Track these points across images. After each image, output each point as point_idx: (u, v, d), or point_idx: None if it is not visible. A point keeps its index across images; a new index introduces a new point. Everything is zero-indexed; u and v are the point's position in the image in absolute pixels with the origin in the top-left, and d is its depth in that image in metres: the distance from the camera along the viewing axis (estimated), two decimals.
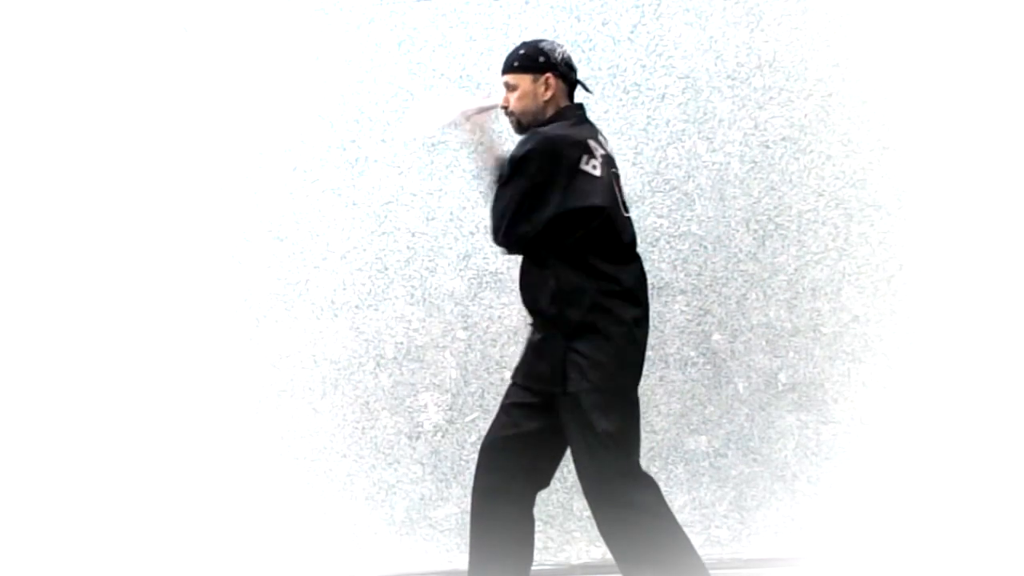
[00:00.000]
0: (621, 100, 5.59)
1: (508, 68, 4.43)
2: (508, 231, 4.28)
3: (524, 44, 4.45)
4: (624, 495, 4.24)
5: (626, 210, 4.39)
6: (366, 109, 5.58)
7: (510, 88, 4.42)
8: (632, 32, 5.61)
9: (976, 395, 5.59)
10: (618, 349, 4.26)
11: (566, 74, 4.42)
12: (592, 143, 4.32)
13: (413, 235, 5.58)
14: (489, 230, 4.39)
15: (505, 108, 4.44)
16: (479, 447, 4.45)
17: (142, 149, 5.53)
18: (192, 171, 5.55)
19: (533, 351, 4.36)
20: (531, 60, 4.39)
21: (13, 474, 5.45)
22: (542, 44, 4.43)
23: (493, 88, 5.58)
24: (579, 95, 4.53)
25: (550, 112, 4.40)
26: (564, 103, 4.43)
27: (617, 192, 4.36)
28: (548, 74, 4.38)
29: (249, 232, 5.56)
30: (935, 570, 5.37)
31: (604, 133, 4.53)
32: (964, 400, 5.59)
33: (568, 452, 4.41)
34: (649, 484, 4.29)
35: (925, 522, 5.56)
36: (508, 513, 4.36)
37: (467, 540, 5.44)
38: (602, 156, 4.33)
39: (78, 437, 5.47)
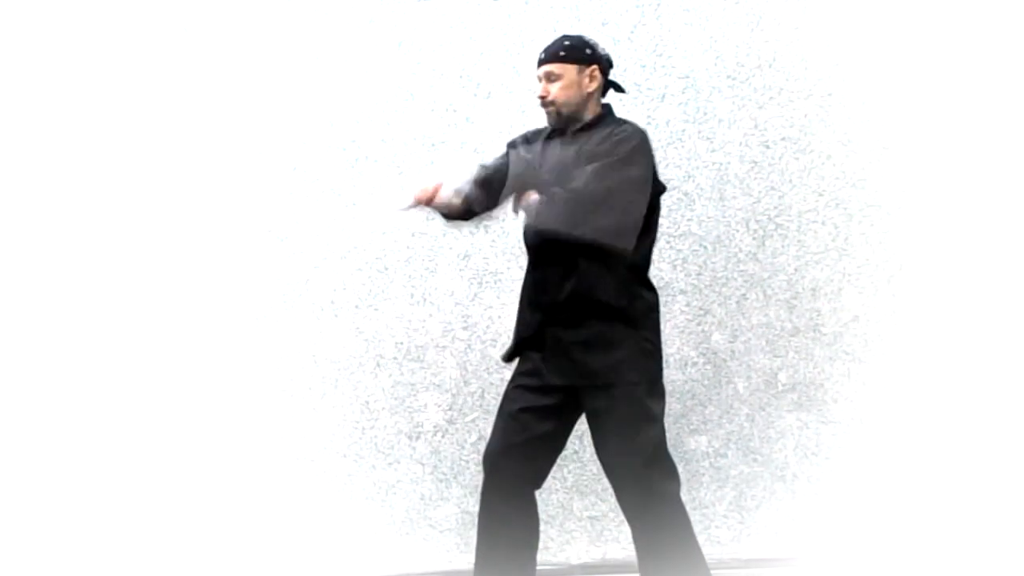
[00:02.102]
0: (621, 100, 5.59)
1: (553, 57, 4.34)
2: (636, 226, 4.23)
3: (568, 36, 4.39)
4: (658, 482, 4.25)
5: None
6: (366, 109, 5.58)
7: (552, 78, 4.32)
8: (632, 32, 5.61)
9: (976, 395, 5.59)
10: (659, 336, 4.35)
11: (606, 71, 4.39)
12: None
13: (413, 235, 5.58)
14: (606, 233, 4.18)
15: (544, 98, 4.34)
16: (483, 453, 4.41)
17: (142, 149, 5.53)
18: (192, 171, 5.55)
19: (583, 347, 4.29)
20: (578, 51, 4.33)
21: (13, 474, 5.45)
22: (587, 38, 4.40)
23: (492, 88, 5.60)
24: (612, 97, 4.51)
25: (591, 106, 4.35)
26: (601, 101, 4.39)
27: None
28: (594, 66, 4.33)
29: (249, 232, 5.56)
30: (935, 570, 5.37)
31: None
32: (964, 400, 5.59)
33: (564, 452, 4.44)
34: (677, 475, 4.34)
35: (925, 522, 5.56)
36: (516, 519, 4.35)
37: (467, 540, 5.46)
38: None
39: (78, 437, 5.47)
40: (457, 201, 4.40)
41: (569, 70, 4.34)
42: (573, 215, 4.19)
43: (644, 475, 4.25)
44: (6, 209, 5.49)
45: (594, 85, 4.35)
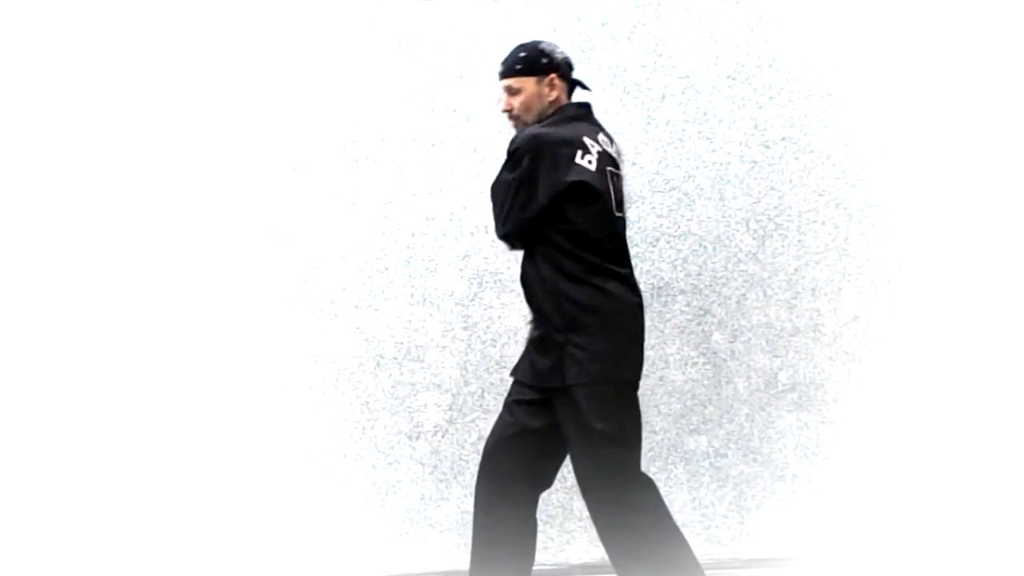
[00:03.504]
0: (621, 100, 5.59)
1: (510, 72, 4.37)
2: (505, 222, 4.28)
3: (522, 46, 4.40)
4: (622, 495, 4.21)
5: (619, 210, 4.37)
6: (366, 109, 5.58)
7: (512, 92, 4.36)
8: (632, 32, 5.61)
9: (976, 395, 5.59)
10: (617, 342, 4.23)
11: (567, 74, 4.40)
12: (588, 140, 4.28)
13: (413, 235, 5.58)
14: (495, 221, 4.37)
15: (508, 111, 4.39)
16: (482, 448, 4.42)
17: (142, 149, 5.53)
18: (192, 171, 5.55)
19: (534, 347, 4.33)
20: (534, 62, 4.35)
21: (14, 474, 5.45)
22: (542, 45, 4.40)
23: (492, 88, 5.60)
24: (582, 94, 4.51)
25: (551, 113, 4.38)
26: (565, 102, 4.41)
27: (611, 189, 4.34)
28: (552, 75, 4.35)
29: (249, 232, 5.56)
30: (935, 570, 5.37)
31: (611, 133, 4.50)
32: (964, 400, 5.59)
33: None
34: (647, 483, 4.26)
35: (925, 522, 5.56)
36: (511, 516, 4.33)
37: (467, 540, 5.46)
38: (599, 153, 4.29)
39: (78, 437, 5.47)
40: None
41: (527, 82, 4.36)
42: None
43: (604, 489, 4.22)
44: (6, 209, 5.49)
45: (555, 93, 4.37)
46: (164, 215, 5.53)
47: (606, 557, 5.51)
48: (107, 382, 5.48)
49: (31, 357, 5.47)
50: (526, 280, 4.35)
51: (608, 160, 4.34)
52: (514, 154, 4.26)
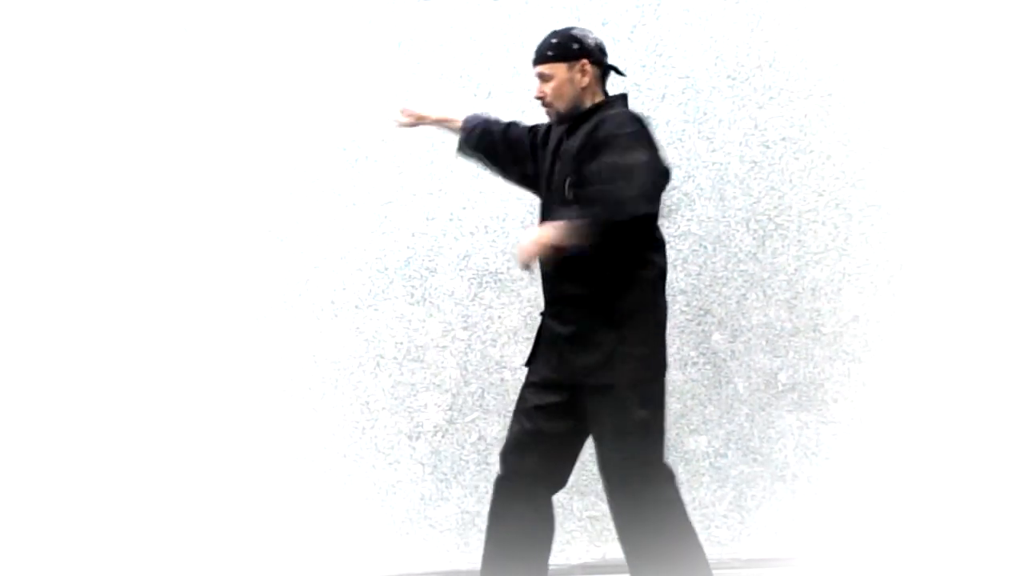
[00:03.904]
0: None
1: (541, 58, 4.35)
2: (652, 202, 4.14)
3: (555, 33, 4.38)
4: (645, 487, 4.22)
5: None
6: (366, 109, 5.58)
7: (545, 79, 4.33)
8: (632, 32, 5.61)
9: (975, 395, 5.59)
10: (660, 338, 4.26)
11: (600, 60, 4.35)
12: None
13: (413, 235, 5.59)
14: (629, 199, 4.08)
15: (541, 99, 4.36)
16: (499, 452, 4.43)
17: (142, 149, 5.53)
18: (192, 171, 5.55)
19: (567, 343, 4.27)
20: (565, 48, 4.32)
21: (13, 474, 5.45)
22: (574, 31, 4.36)
23: (492, 88, 5.59)
24: (618, 81, 4.48)
25: (588, 99, 4.33)
26: (600, 89, 4.36)
27: None
28: (584, 60, 4.31)
29: (249, 232, 5.56)
30: (934, 570, 5.37)
31: None
32: (963, 400, 5.59)
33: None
34: (670, 478, 4.28)
35: (925, 522, 5.56)
36: (528, 517, 4.33)
37: (467, 540, 5.46)
38: None
39: (77, 437, 5.47)
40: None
41: (559, 69, 4.33)
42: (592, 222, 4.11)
43: (629, 480, 4.22)
44: (7, 209, 5.49)
45: (587, 79, 4.33)
46: (164, 215, 5.53)
47: (606, 557, 5.54)
48: (107, 382, 5.48)
49: (31, 357, 5.47)
50: (572, 269, 4.23)
51: None
52: (641, 132, 4.18)
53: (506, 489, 4.34)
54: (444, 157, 5.56)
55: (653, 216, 4.17)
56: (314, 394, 5.56)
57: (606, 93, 4.39)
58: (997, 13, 5.62)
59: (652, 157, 4.16)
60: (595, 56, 4.34)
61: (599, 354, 4.21)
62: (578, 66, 4.32)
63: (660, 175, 4.19)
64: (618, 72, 4.42)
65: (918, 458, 5.59)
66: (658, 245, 4.29)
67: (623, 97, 4.39)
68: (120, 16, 5.53)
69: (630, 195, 4.07)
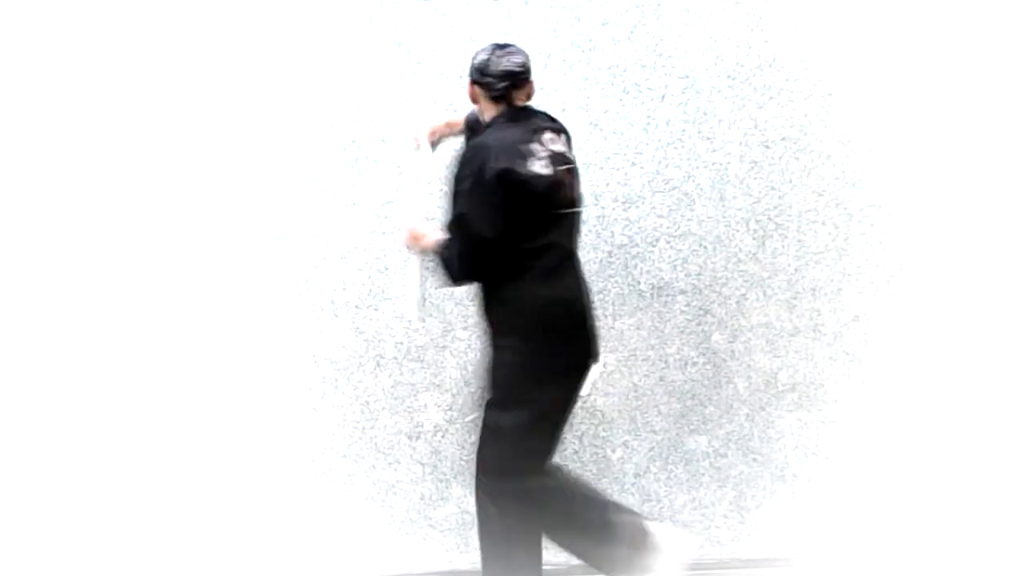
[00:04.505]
0: (621, 100, 5.59)
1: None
2: (470, 259, 4.58)
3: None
4: (488, 499, 4.49)
5: (572, 206, 4.49)
6: (366, 109, 5.58)
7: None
8: (632, 32, 5.61)
9: (976, 395, 5.59)
10: (522, 361, 4.43)
11: (479, 80, 4.52)
12: (524, 147, 4.41)
13: None
14: (451, 268, 4.65)
15: None
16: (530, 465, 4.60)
17: (142, 149, 5.53)
18: (192, 171, 5.54)
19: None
20: (471, 70, 4.57)
21: (13, 474, 5.45)
22: (477, 53, 4.56)
23: None
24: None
25: (487, 117, 4.55)
26: (491, 107, 4.52)
27: (563, 188, 4.46)
28: (471, 81, 4.55)
29: (249, 232, 5.55)
30: (934, 570, 5.37)
31: (563, 124, 4.65)
32: (964, 400, 5.59)
33: (563, 452, 4.52)
34: (522, 497, 4.46)
35: (925, 522, 5.56)
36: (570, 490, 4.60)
37: (467, 540, 5.46)
38: (547, 155, 4.44)
39: (77, 437, 5.47)
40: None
41: (470, 88, 4.60)
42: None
43: (480, 486, 4.50)
44: (6, 209, 5.49)
45: (478, 99, 4.55)
46: (164, 215, 5.53)
47: None
48: (107, 382, 5.48)
49: (31, 357, 5.46)
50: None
51: (561, 159, 4.51)
52: (466, 181, 4.48)
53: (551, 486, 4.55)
54: (444, 157, 5.56)
55: (492, 244, 4.43)
56: (314, 394, 5.56)
57: (505, 109, 4.51)
58: (997, 13, 5.62)
59: (467, 217, 4.44)
60: (474, 76, 4.53)
61: (484, 358, 4.58)
62: (471, 88, 4.56)
63: (470, 239, 4.43)
64: (492, 88, 4.51)
65: (918, 458, 5.59)
66: (523, 255, 4.45)
67: (504, 114, 4.51)
68: (120, 16, 5.52)
69: (451, 264, 4.51)
